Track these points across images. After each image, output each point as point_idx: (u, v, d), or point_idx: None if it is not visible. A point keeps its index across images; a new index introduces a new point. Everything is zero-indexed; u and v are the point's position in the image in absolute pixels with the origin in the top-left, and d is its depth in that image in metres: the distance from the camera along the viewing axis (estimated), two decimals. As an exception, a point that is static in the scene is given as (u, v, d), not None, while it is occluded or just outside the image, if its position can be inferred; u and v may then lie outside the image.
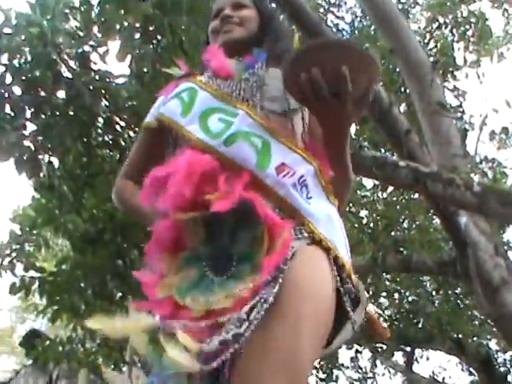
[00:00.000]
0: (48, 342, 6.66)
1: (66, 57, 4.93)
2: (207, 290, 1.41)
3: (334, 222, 1.61)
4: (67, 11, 5.04)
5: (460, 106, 7.91)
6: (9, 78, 5.13)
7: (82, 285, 5.76)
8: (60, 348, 6.58)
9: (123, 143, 5.33)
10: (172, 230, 1.51)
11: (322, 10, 8.02)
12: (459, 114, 7.72)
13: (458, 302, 9.57)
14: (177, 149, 1.73)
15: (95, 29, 5.15)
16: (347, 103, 1.53)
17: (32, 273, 6.27)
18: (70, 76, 4.96)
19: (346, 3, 8.65)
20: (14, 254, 6.57)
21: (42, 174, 5.20)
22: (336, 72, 1.47)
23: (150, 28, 5.09)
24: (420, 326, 9.47)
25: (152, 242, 1.52)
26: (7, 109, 5.12)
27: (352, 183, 1.80)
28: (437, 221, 8.00)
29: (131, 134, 5.30)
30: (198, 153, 1.57)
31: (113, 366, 6.94)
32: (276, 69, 1.80)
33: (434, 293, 9.85)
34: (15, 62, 5.07)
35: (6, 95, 5.09)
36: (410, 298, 9.86)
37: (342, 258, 1.55)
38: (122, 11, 5.04)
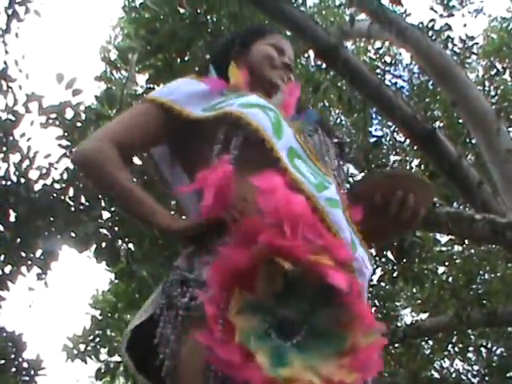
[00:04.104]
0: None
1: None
2: (276, 350, 1.26)
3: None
4: (133, 101, 5.21)
5: (530, 150, 7.73)
6: (82, 170, 5.30)
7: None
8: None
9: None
10: (251, 264, 1.31)
11: (379, 70, 8.07)
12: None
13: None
14: (223, 153, 1.58)
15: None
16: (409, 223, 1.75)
17: (116, 357, 6.33)
18: (140, 162, 5.09)
19: (401, 62, 8.71)
20: (97, 340, 6.67)
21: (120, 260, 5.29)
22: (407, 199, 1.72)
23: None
24: (513, 380, 9.08)
25: (223, 265, 1.32)
26: (82, 199, 5.28)
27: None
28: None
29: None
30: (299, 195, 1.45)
31: None
32: None
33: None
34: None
35: (81, 186, 5.26)
36: (498, 351, 9.50)
37: None
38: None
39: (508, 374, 8.91)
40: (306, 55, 7.39)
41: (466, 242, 7.66)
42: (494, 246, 7.29)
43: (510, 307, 7.31)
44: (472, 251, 8.12)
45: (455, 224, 5.13)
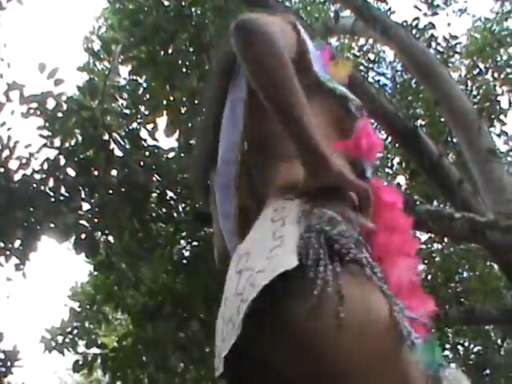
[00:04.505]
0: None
1: (116, 136, 5.05)
2: None
3: None
4: (115, 92, 5.19)
5: (510, 150, 7.82)
6: (62, 161, 5.27)
7: (144, 359, 5.74)
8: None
9: (176, 216, 5.39)
10: None
11: (362, 67, 8.10)
12: (510, 159, 7.61)
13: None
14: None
15: (142, 106, 5.29)
16: None
17: (94, 349, 6.29)
18: (121, 154, 5.07)
19: (385, 59, 8.73)
20: (75, 332, 6.63)
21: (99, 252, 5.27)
22: None
23: (196, 101, 5.20)
24: (490, 378, 9.15)
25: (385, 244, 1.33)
26: (62, 190, 5.25)
27: None
28: (497, 268, 7.82)
29: (184, 206, 5.35)
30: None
31: None
32: None
33: (500, 342, 9.56)
34: (68, 144, 5.22)
35: (61, 177, 5.22)
36: (475, 350, 9.56)
37: None
38: (168, 87, 5.17)
39: (485, 372, 8.99)
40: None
41: (446, 240, 7.71)
42: (473, 244, 7.34)
43: (487, 305, 7.37)
44: (451, 250, 8.17)
45: (435, 222, 5.15)
